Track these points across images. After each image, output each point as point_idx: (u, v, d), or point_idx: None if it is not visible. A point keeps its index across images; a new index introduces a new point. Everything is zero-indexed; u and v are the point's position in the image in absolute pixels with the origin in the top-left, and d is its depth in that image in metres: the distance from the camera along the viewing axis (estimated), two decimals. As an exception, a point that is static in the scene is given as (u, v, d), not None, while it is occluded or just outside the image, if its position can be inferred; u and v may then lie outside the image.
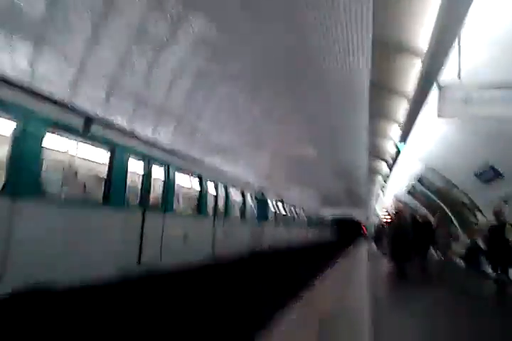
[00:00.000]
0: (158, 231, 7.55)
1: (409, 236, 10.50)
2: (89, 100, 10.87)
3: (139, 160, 7.37)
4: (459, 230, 16.69)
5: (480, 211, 13.61)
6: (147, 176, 7.51)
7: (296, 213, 25.11)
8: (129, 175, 6.85)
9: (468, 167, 11.86)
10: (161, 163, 8.04)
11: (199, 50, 11.24)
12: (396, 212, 12.61)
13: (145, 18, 9.80)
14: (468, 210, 15.02)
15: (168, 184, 8.18)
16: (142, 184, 7.40)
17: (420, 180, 18.34)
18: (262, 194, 16.15)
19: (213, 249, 9.80)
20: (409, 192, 22.42)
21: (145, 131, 13.04)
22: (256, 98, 14.98)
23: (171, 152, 9.12)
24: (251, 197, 14.44)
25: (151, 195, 7.59)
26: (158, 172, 8.00)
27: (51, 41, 9.11)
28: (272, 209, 16.66)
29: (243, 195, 13.57)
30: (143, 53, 10.65)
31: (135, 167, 7.25)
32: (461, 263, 13.82)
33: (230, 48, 11.33)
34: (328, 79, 13.05)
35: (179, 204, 9.04)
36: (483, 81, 6.79)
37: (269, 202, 16.68)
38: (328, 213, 49.54)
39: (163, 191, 8.04)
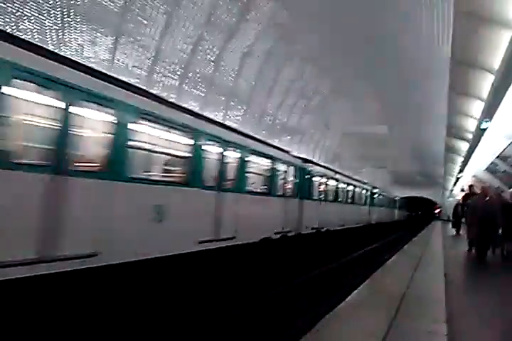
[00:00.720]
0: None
1: (499, 219, 9.32)
2: (164, 87, 11.33)
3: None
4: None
5: None
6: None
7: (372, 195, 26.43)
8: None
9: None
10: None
11: (270, 31, 11.14)
12: (483, 192, 10.71)
13: (214, 4, 9.87)
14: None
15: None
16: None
17: (504, 158, 17.06)
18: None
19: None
20: (491, 172, 20.98)
21: (217, 115, 13.36)
22: (328, 77, 14.64)
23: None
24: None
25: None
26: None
27: (129, 33, 9.54)
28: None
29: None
30: (213, 39, 10.79)
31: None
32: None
33: (301, 28, 11.10)
34: (405, 56, 12.38)
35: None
36: None
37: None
38: (403, 193, 47.93)
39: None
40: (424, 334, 3.67)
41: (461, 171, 28.93)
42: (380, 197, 28.94)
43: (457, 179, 34.39)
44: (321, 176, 14.30)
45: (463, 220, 15.40)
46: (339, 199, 16.85)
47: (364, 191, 22.61)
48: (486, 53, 10.53)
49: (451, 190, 44.07)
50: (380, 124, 20.33)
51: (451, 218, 23.84)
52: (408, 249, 12.19)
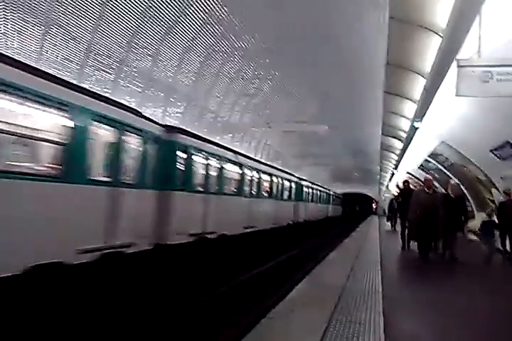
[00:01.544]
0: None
1: (441, 212, 9.18)
2: (98, 82, 10.78)
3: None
4: (473, 206, 16.57)
5: (496, 187, 13.41)
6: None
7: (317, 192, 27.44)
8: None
9: (485, 143, 11.63)
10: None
11: (208, 27, 10.94)
12: (425, 185, 10.27)
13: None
14: (483, 187, 14.84)
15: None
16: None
17: (434, 156, 18.17)
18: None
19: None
20: (421, 168, 22.28)
21: (155, 111, 12.97)
22: (267, 75, 14.69)
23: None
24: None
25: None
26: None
27: (59, 23, 8.94)
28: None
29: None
30: (151, 33, 10.41)
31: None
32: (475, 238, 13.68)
33: (240, 25, 11.01)
34: (343, 57, 12.73)
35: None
36: (504, 57, 6.50)
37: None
38: (340, 189, 49.52)
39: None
40: (362, 326, 3.73)
41: (395, 168, 30.42)
42: (311, 191, 27.09)
43: (392, 175, 36.15)
44: (217, 158, 10.59)
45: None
46: (245, 193, 12.85)
47: (288, 183, 19.71)
48: (418, 57, 11.09)
49: (387, 186, 46.29)
50: (320, 123, 20.79)
51: (387, 213, 24.93)
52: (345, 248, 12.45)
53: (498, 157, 11.62)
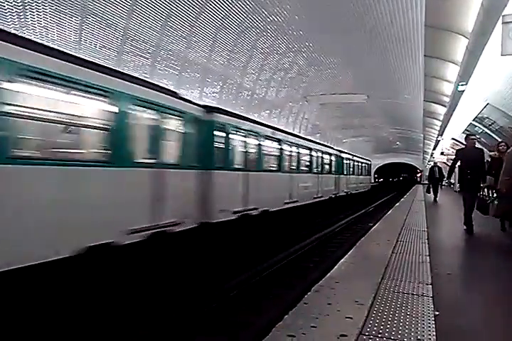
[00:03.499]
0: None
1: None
2: (136, 67, 11.03)
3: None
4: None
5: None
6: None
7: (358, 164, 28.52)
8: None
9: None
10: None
11: (239, 4, 10.81)
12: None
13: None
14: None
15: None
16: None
17: (479, 120, 17.39)
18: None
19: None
20: (467, 133, 21.40)
21: (193, 93, 13.14)
22: (301, 47, 14.41)
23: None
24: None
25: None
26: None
27: (95, 12, 9.15)
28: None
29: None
30: (183, 15, 10.43)
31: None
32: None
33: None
34: (379, 21, 12.24)
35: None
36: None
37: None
38: (384, 160, 48.52)
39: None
40: (410, 296, 3.79)
41: (440, 135, 29.34)
42: (352, 163, 26.38)
43: (437, 143, 34.92)
44: (256, 136, 10.67)
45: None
46: (285, 168, 12.90)
47: (327, 156, 19.60)
48: (459, 16, 10.49)
49: (432, 154, 44.82)
50: (358, 92, 20.31)
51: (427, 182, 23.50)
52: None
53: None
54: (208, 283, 6.90)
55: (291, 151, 13.68)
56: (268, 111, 18.99)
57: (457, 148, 25.49)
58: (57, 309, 4.61)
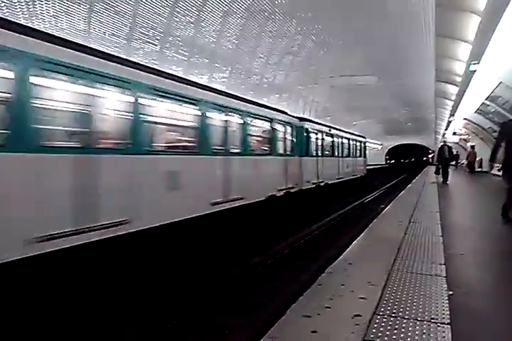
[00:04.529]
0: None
1: None
2: (145, 54, 11.03)
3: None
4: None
5: None
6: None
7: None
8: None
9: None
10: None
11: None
12: None
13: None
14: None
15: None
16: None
17: (492, 99, 17.13)
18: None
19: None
20: (479, 113, 21.07)
21: (202, 78, 13.12)
22: (310, 30, 14.23)
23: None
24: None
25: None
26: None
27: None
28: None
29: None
30: (191, 1, 10.35)
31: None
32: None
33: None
34: (391, 1, 12.02)
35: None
36: None
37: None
38: (396, 141, 48.10)
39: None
40: (424, 276, 3.86)
41: (452, 115, 28.96)
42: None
43: (449, 123, 34.49)
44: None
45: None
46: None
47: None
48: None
49: (443, 135, 44.30)
50: (369, 73, 20.07)
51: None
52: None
53: None
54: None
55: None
56: (278, 95, 18.90)
57: (469, 127, 25.09)
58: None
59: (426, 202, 10.19)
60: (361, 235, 5.99)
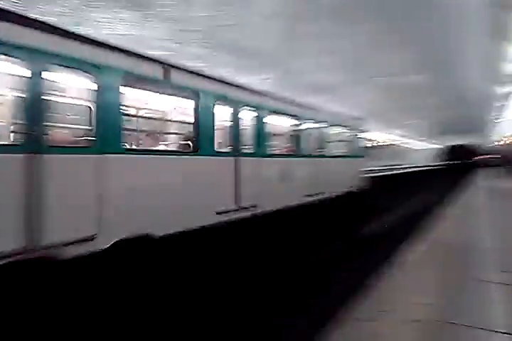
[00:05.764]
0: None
1: None
2: (194, 57, 11.24)
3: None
4: None
5: None
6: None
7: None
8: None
9: None
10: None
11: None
12: None
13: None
14: None
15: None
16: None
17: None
18: None
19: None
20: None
21: (249, 79, 13.18)
22: (361, 30, 13.87)
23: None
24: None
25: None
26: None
27: (151, 6, 9.40)
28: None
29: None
30: (235, 3, 10.39)
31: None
32: None
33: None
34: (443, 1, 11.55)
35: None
36: None
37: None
38: (450, 141, 46.29)
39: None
40: (485, 284, 3.65)
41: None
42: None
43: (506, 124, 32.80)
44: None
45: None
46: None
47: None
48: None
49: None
50: (421, 73, 19.45)
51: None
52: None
53: None
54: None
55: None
56: (327, 96, 18.63)
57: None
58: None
59: (489, 205, 9.58)
60: (421, 238, 5.77)
